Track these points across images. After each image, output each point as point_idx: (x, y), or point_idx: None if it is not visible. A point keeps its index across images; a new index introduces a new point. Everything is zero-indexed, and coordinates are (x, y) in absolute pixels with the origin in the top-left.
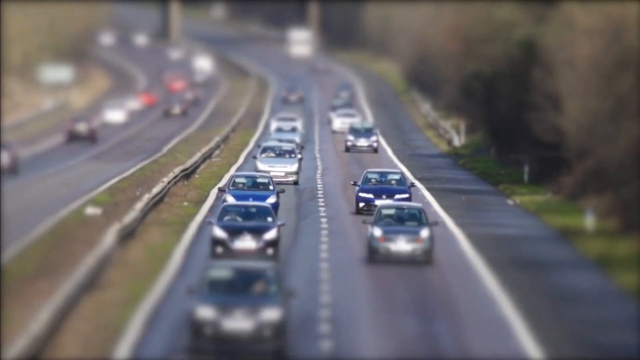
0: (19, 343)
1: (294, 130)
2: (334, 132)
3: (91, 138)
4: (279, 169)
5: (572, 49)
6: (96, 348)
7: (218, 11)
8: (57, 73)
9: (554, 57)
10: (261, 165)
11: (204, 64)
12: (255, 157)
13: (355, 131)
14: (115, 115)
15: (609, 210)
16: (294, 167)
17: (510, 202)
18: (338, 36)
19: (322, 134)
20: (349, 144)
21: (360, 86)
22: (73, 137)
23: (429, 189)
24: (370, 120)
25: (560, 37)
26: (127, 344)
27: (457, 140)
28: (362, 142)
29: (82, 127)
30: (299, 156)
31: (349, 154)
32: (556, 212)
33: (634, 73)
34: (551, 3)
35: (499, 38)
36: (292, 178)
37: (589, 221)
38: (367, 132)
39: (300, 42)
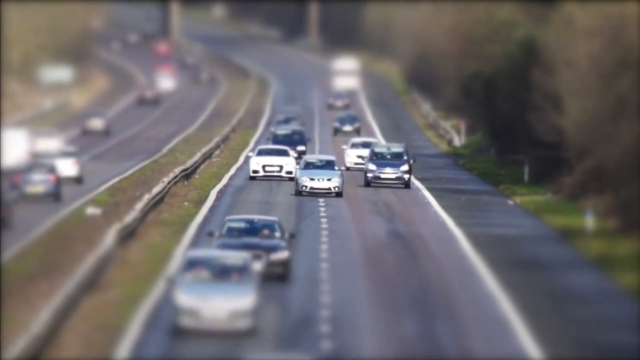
0: (19, 343)
1: (300, 153)
2: (347, 169)
3: (156, 102)
4: (217, 304)
5: (572, 49)
6: (96, 348)
7: (218, 11)
8: (57, 73)
9: (554, 57)
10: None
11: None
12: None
13: (378, 157)
14: (167, 83)
15: (609, 210)
16: (247, 301)
17: (510, 202)
18: (338, 37)
19: (322, 134)
20: (370, 175)
21: (360, 86)
22: (142, 102)
23: (429, 189)
24: (390, 142)
25: (560, 37)
26: (127, 344)
27: (457, 141)
28: (389, 173)
29: (149, 94)
30: (286, 248)
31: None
32: (556, 212)
33: (634, 73)
34: (551, 3)
35: (499, 38)
36: (241, 323)
37: (589, 221)
38: (396, 160)
39: (346, 73)
